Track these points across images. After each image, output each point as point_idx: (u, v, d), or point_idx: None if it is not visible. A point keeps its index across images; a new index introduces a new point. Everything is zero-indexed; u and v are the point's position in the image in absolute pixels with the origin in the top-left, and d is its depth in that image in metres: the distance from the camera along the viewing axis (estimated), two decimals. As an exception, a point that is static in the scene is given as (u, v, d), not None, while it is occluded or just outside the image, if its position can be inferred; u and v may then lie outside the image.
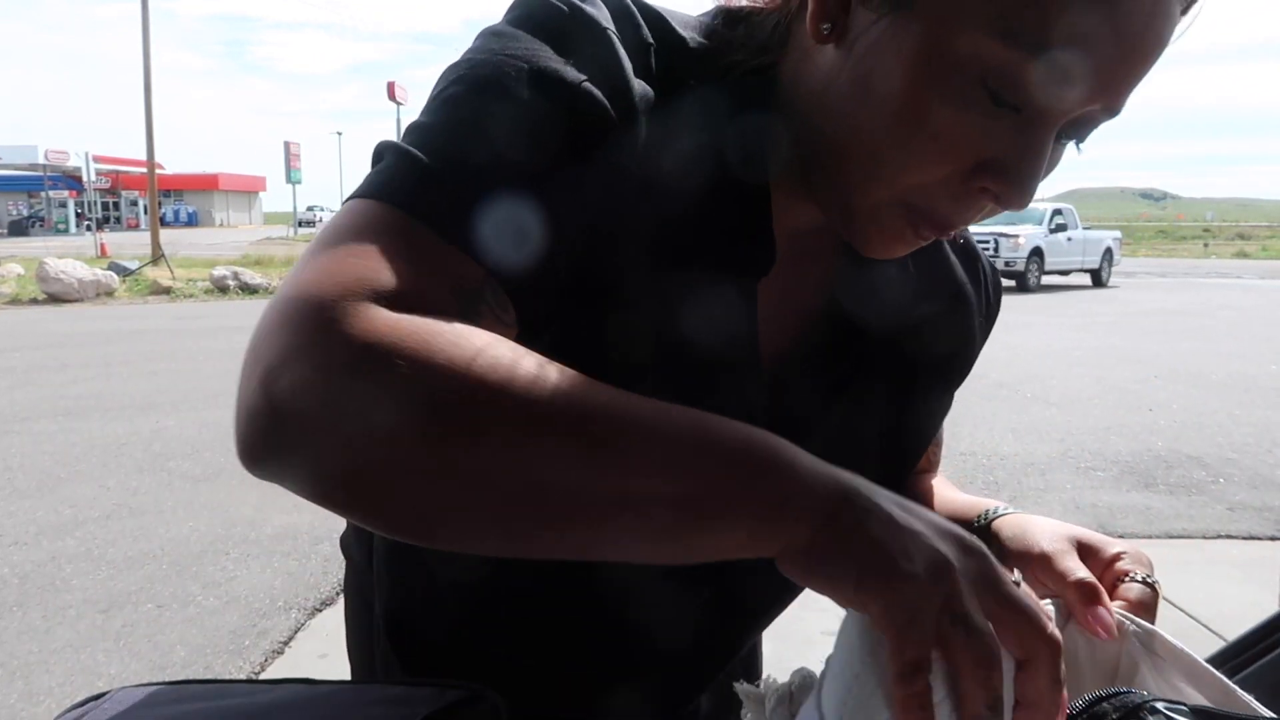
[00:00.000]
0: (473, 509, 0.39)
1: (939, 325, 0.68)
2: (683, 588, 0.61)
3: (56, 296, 13.37)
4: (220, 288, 14.66)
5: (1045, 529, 0.63)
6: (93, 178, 33.43)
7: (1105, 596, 0.56)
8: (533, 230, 0.48)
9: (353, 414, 0.38)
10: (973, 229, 0.66)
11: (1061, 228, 17.33)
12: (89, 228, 37.51)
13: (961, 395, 0.75)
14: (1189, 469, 4.88)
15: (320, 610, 3.13)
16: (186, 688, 0.57)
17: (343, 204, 0.50)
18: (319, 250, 0.44)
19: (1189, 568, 3.54)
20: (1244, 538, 3.90)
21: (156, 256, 17.38)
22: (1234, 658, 0.84)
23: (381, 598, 0.69)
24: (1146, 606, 0.58)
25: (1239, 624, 0.88)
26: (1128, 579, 0.59)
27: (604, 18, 0.54)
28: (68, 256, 15.33)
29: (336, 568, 3.38)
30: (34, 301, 13.36)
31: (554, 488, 0.39)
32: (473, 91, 0.50)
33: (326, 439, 0.38)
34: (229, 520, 3.98)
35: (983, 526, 0.68)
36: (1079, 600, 0.56)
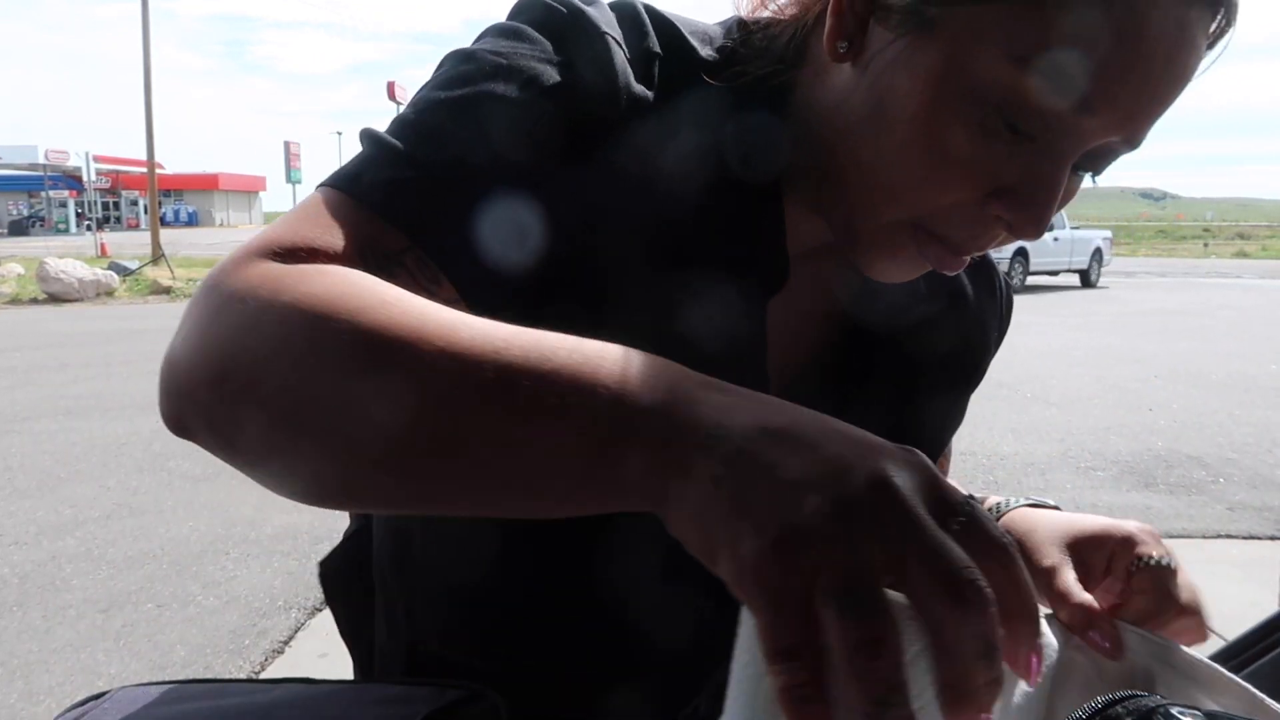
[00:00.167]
0: (301, 444, 0.39)
1: (941, 325, 0.67)
2: (683, 588, 0.61)
3: (57, 296, 13.37)
4: (220, 287, 14.61)
5: (1047, 535, 0.62)
6: (93, 177, 33.42)
7: (1102, 616, 0.56)
8: (473, 210, 0.49)
9: (215, 355, 0.41)
10: None
11: (1048, 227, 17.16)
12: (89, 227, 37.52)
13: (962, 395, 0.75)
14: (1189, 469, 4.88)
15: (320, 610, 3.13)
16: (186, 687, 0.57)
17: None
18: None
19: (1189, 567, 3.52)
20: (1244, 537, 3.90)
21: (157, 256, 17.37)
22: (1234, 657, 0.84)
23: (383, 596, 0.68)
24: (1164, 589, 0.57)
25: (1239, 624, 0.88)
26: (1141, 564, 0.58)
27: (604, 21, 0.54)
28: (68, 256, 15.33)
29: (336, 567, 3.38)
30: (34, 301, 13.36)
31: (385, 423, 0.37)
32: (447, 85, 0.51)
33: (192, 381, 0.42)
34: (229, 520, 3.98)
35: None
36: (1079, 623, 0.55)
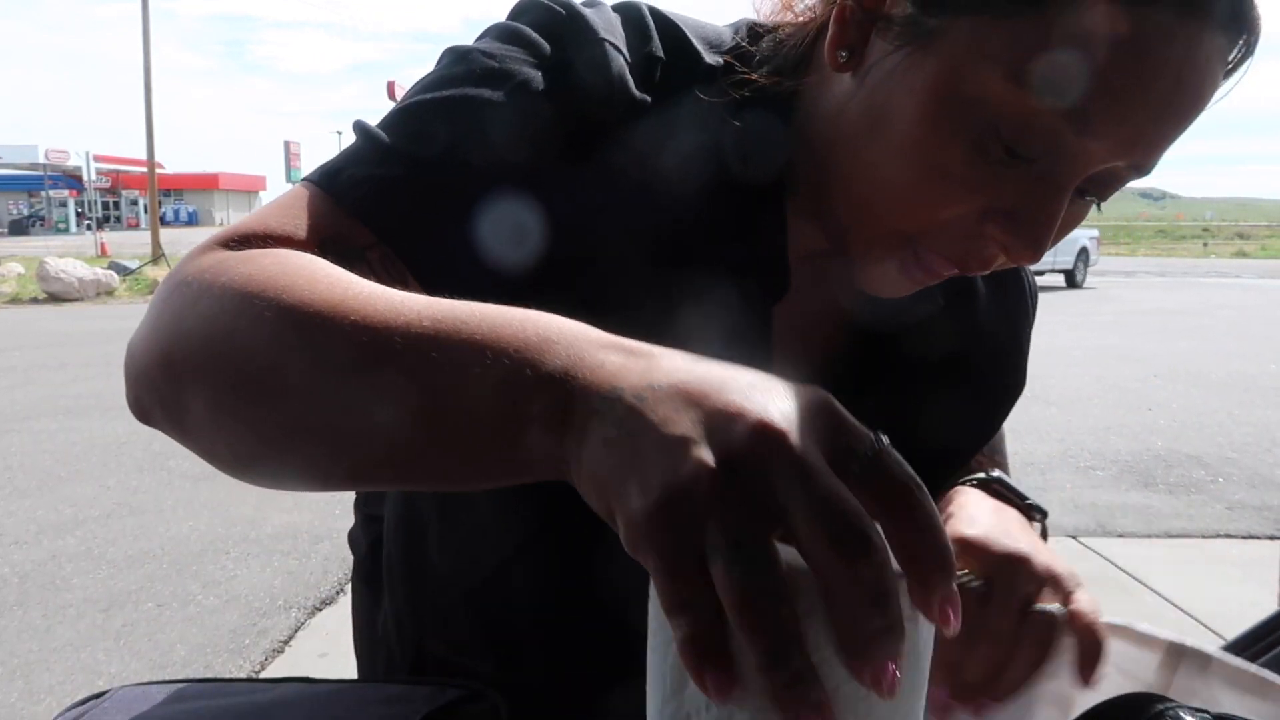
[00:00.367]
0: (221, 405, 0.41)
1: (951, 324, 0.65)
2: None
3: (57, 296, 13.37)
4: (220, 287, 14.61)
5: (977, 511, 0.58)
6: (93, 177, 33.41)
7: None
8: (447, 213, 0.50)
9: (162, 337, 0.44)
10: None
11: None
12: (89, 227, 37.51)
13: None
14: (1188, 468, 4.88)
15: (320, 609, 3.13)
16: (187, 687, 0.57)
17: None
18: None
19: (1188, 567, 3.54)
20: (1243, 537, 3.90)
21: (157, 256, 17.36)
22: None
23: (388, 595, 0.69)
24: (1049, 641, 0.51)
25: (1238, 623, 0.88)
26: (1038, 613, 0.52)
27: (603, 24, 0.53)
28: (68, 256, 15.33)
29: (336, 567, 3.38)
30: (34, 301, 13.35)
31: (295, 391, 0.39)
32: (435, 85, 0.52)
33: (144, 364, 0.44)
34: (229, 519, 3.97)
35: None
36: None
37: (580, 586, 0.60)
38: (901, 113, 0.48)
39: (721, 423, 0.30)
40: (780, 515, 0.28)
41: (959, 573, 0.52)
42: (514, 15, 0.55)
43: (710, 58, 0.56)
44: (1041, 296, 0.75)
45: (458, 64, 0.52)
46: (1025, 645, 0.51)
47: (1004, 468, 0.76)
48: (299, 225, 0.48)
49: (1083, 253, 18.30)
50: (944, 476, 0.67)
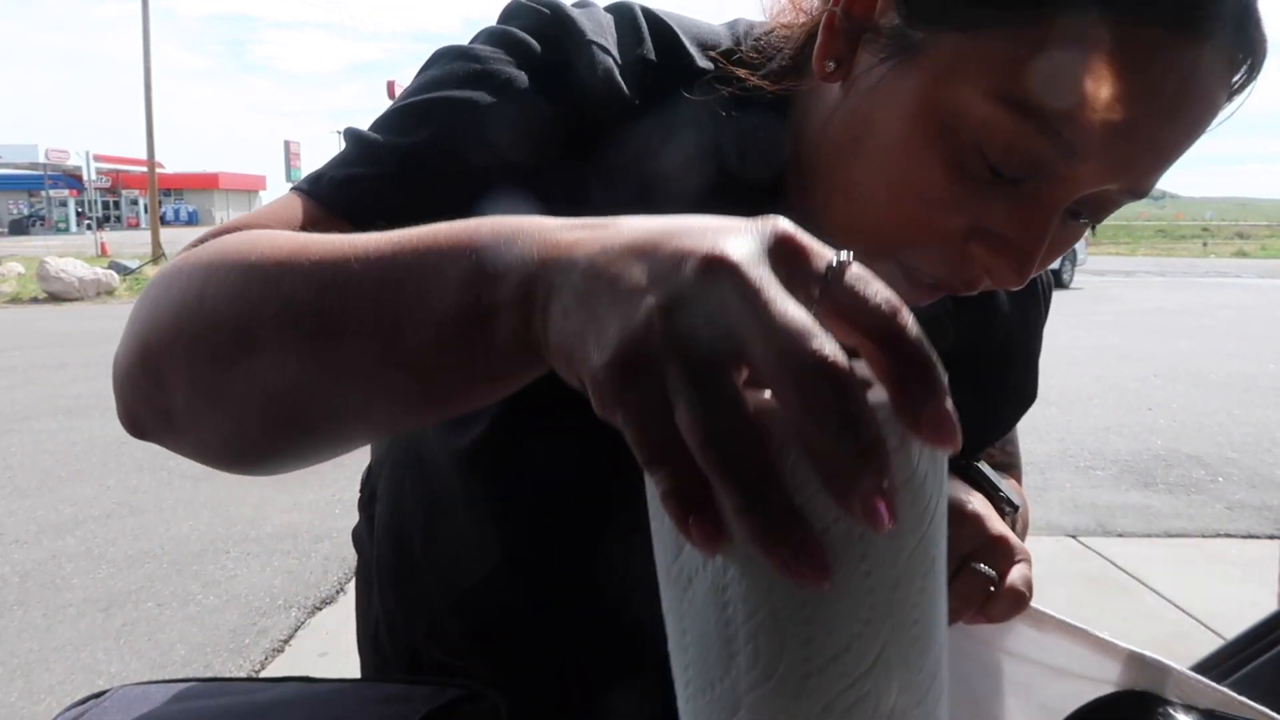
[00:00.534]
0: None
1: (954, 321, 0.65)
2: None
3: (57, 295, 13.36)
4: (220, 287, 14.61)
5: None
6: (93, 177, 33.42)
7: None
8: (429, 210, 0.49)
9: (139, 333, 0.43)
10: None
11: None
12: (89, 227, 37.50)
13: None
14: (1188, 468, 4.88)
15: (320, 609, 3.13)
16: (187, 686, 0.57)
17: None
18: None
19: (1188, 567, 3.54)
20: (1243, 536, 3.90)
21: (157, 255, 17.36)
22: (1233, 656, 0.84)
23: (379, 597, 0.69)
24: (968, 597, 0.51)
25: (1238, 623, 0.88)
26: (973, 569, 0.52)
27: (591, 26, 0.53)
28: (68, 255, 15.32)
29: (336, 566, 3.38)
30: (34, 300, 13.35)
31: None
32: (421, 88, 0.52)
33: (127, 366, 0.44)
34: (229, 519, 3.97)
35: None
36: None
37: (569, 593, 0.60)
38: (884, 127, 0.47)
39: (671, 267, 0.29)
40: (737, 349, 0.27)
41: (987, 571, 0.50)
42: (503, 19, 0.55)
43: (702, 60, 0.55)
44: (1060, 295, 0.74)
45: (445, 66, 0.52)
46: (951, 597, 0.51)
47: (1016, 460, 0.76)
48: (277, 221, 0.48)
49: (1070, 251, 18.23)
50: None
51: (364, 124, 0.53)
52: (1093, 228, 0.50)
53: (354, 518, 0.78)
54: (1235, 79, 0.45)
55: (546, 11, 0.53)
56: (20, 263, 15.89)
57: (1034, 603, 0.54)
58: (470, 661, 0.64)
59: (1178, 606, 3.09)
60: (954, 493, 0.55)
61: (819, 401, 0.25)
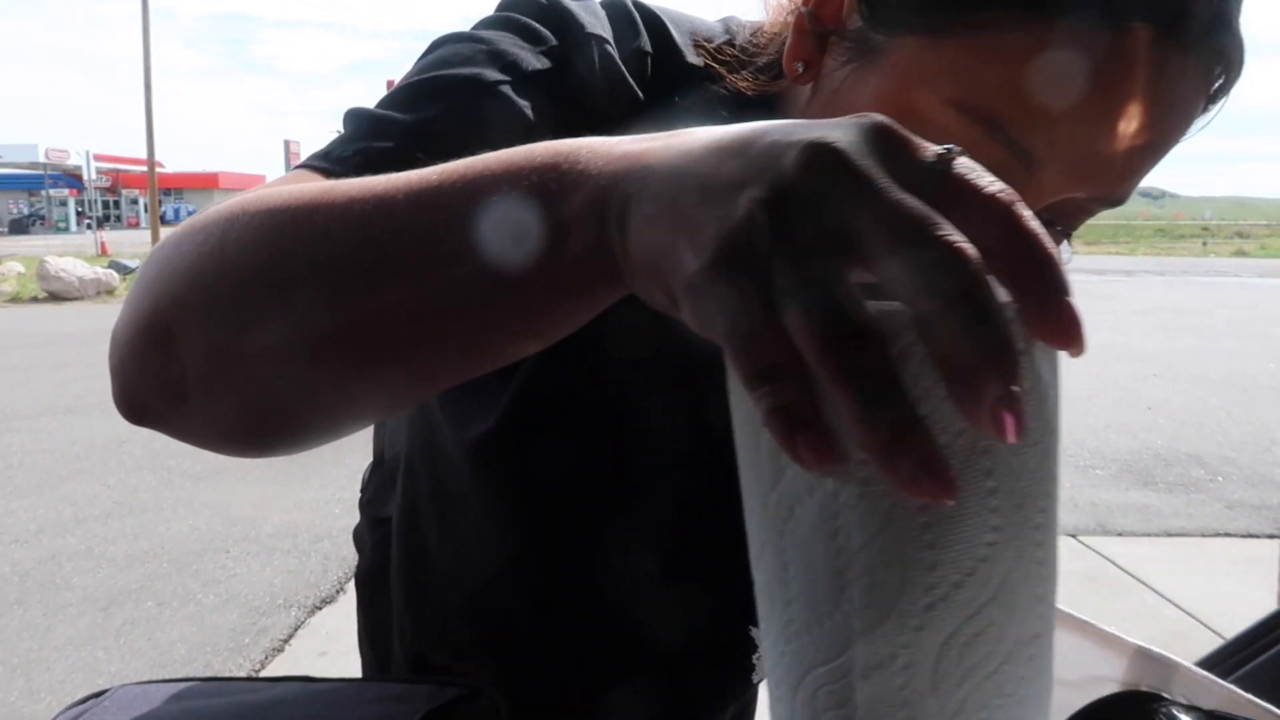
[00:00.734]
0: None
1: None
2: (683, 588, 0.61)
3: (57, 295, 13.37)
4: (220, 286, 14.61)
5: None
6: (93, 176, 33.45)
7: None
8: None
9: (146, 301, 0.38)
10: None
11: None
12: (89, 226, 37.53)
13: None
14: (1188, 467, 4.88)
15: (320, 608, 3.13)
16: (187, 685, 0.57)
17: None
18: None
19: (1188, 566, 3.54)
20: (1243, 535, 3.90)
21: (156, 254, 17.33)
22: (1233, 655, 0.84)
23: (392, 598, 0.68)
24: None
25: (1238, 622, 0.89)
26: None
27: (590, 19, 0.53)
28: (68, 255, 15.33)
29: (336, 565, 3.39)
30: (35, 300, 13.36)
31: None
32: (425, 68, 0.50)
33: (130, 339, 0.38)
34: (229, 518, 3.98)
35: None
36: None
37: (584, 588, 0.60)
38: None
39: (769, 160, 0.26)
40: (851, 244, 0.24)
41: None
42: (501, 9, 0.55)
43: (692, 56, 0.55)
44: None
45: (451, 48, 0.51)
46: None
47: None
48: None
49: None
50: None
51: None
52: (1067, 236, 0.49)
53: (354, 517, 0.78)
54: (1212, 83, 0.44)
55: (545, 4, 0.53)
56: (20, 262, 15.89)
57: None
58: (476, 661, 0.64)
59: (1177, 606, 3.10)
60: None
61: (947, 294, 0.23)
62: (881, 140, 0.26)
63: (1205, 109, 0.45)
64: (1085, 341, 0.25)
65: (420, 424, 0.63)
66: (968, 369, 0.23)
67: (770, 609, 0.29)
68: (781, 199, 0.25)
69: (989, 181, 0.26)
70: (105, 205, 56.26)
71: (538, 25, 0.52)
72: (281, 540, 3.72)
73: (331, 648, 2.83)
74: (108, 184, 54.43)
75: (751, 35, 0.57)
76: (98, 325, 10.37)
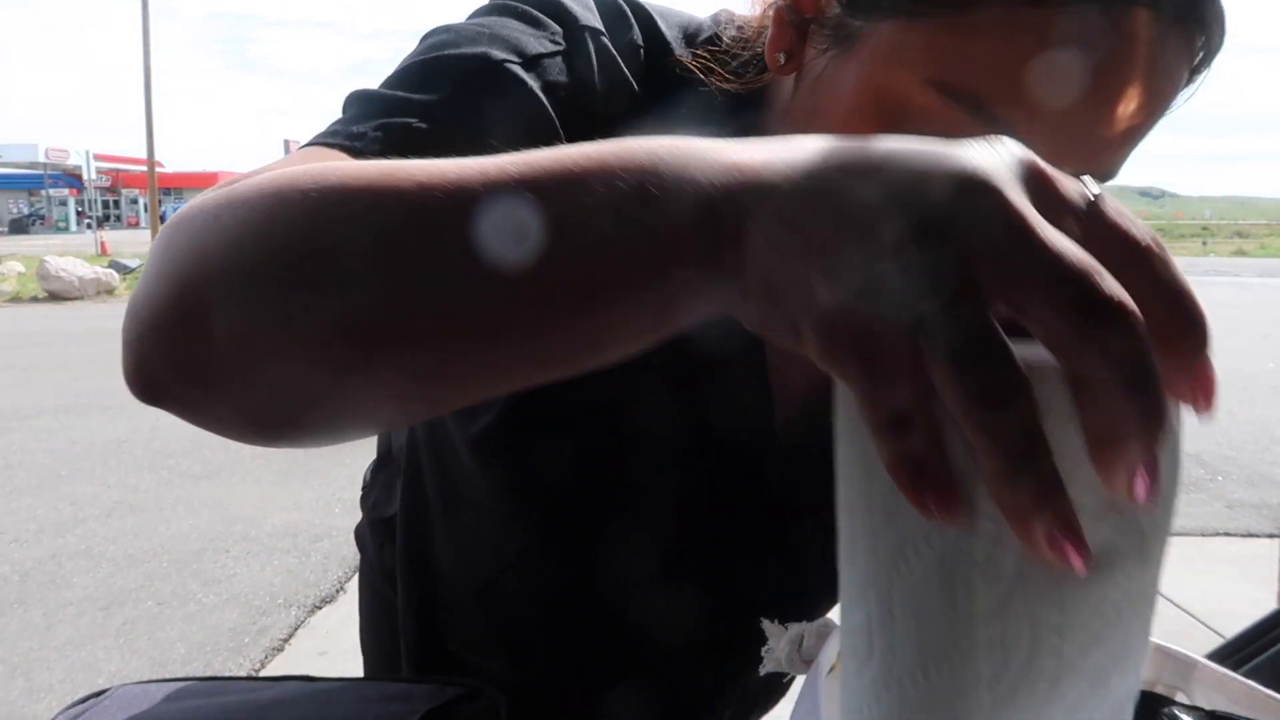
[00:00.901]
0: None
1: None
2: (684, 588, 0.61)
3: (57, 294, 13.37)
4: (220, 285, 14.62)
5: None
6: (93, 176, 33.44)
7: None
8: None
9: (175, 271, 0.35)
10: None
11: None
12: (89, 226, 37.55)
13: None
14: (1187, 466, 4.87)
15: (320, 608, 3.13)
16: (187, 685, 0.57)
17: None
18: None
19: (1188, 565, 3.54)
20: (1242, 535, 3.91)
21: (156, 254, 17.33)
22: (1233, 655, 0.84)
23: (400, 592, 0.69)
24: None
25: (1238, 621, 0.89)
26: None
27: (583, 12, 0.53)
28: (68, 254, 15.32)
29: (336, 565, 3.39)
30: (35, 299, 13.36)
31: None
32: (426, 50, 0.50)
33: (154, 309, 0.35)
34: (229, 518, 3.98)
35: None
36: None
37: (586, 588, 0.61)
38: (828, 118, 0.46)
39: (911, 186, 0.24)
40: (1002, 287, 0.23)
41: None
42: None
43: (680, 50, 0.55)
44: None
45: (451, 33, 0.50)
46: None
47: None
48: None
49: None
50: None
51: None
52: None
53: (355, 516, 0.78)
54: (1194, 54, 0.44)
55: None
56: (20, 262, 15.89)
57: None
58: (486, 657, 0.64)
59: (1177, 605, 3.10)
60: None
61: (1109, 349, 0.22)
62: (1028, 174, 0.25)
63: (1189, 80, 0.45)
64: (1215, 402, 0.24)
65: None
66: (1115, 432, 0.22)
67: (864, 654, 0.27)
68: (934, 233, 0.23)
69: (1140, 229, 0.25)
70: (105, 205, 56.27)
71: (536, 12, 0.52)
72: (281, 540, 3.72)
73: (331, 647, 2.83)
74: (108, 184, 54.43)
75: (738, 29, 0.57)
76: (98, 325, 10.37)
